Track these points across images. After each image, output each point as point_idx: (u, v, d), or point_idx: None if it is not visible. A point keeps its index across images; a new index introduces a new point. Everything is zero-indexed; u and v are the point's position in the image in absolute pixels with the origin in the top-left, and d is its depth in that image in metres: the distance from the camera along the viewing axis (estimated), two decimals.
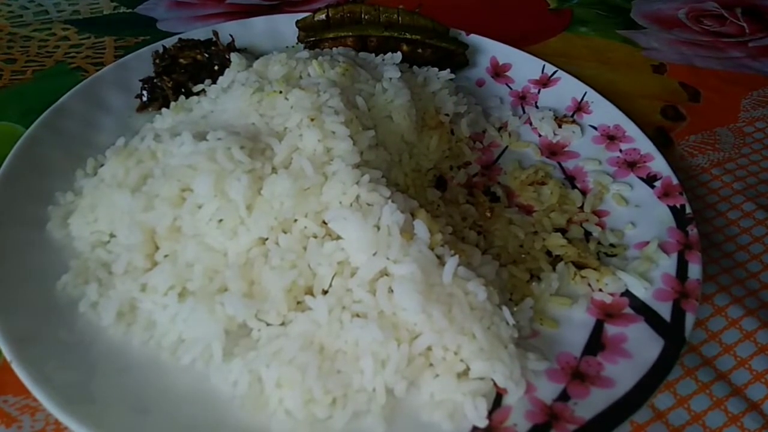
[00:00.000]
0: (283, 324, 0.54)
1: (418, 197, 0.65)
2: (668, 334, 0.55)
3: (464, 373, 0.51)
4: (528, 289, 0.60)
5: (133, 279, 0.56)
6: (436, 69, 0.82)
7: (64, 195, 0.65)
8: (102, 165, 0.67)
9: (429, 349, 0.52)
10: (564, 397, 0.51)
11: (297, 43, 0.90)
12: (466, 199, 0.71)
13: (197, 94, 0.77)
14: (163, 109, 0.75)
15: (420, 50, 0.85)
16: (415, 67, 0.83)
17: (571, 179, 0.74)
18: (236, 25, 0.92)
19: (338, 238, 0.55)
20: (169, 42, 0.86)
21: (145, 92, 0.80)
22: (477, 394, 0.50)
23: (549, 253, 0.65)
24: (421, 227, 0.55)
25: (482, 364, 0.50)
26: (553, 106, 0.84)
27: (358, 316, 0.52)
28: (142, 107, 0.80)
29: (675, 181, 0.70)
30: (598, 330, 0.57)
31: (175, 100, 0.77)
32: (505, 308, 0.54)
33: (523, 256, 0.64)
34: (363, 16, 0.88)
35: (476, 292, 0.53)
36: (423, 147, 0.73)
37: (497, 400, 0.51)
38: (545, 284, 0.61)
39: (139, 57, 0.84)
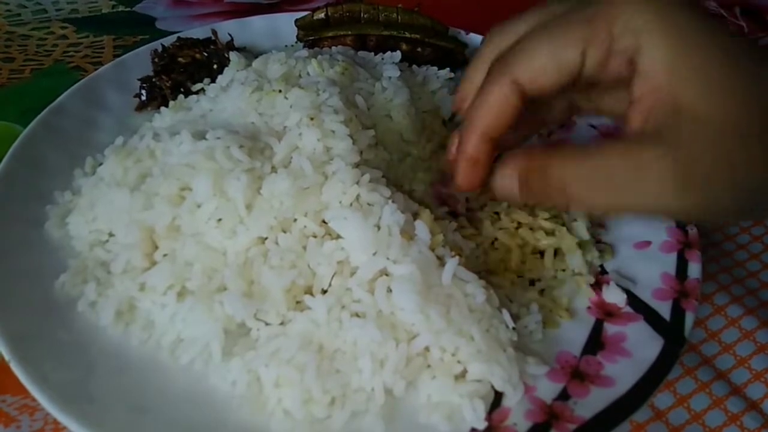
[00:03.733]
0: (282, 323, 0.54)
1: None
2: (668, 333, 0.55)
3: (462, 375, 0.51)
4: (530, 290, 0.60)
5: (131, 278, 0.56)
6: (436, 68, 0.82)
7: (63, 194, 0.65)
8: (100, 164, 0.67)
9: (427, 349, 0.51)
10: (564, 396, 0.51)
11: (296, 42, 0.90)
12: None
13: (196, 93, 0.77)
14: (162, 108, 0.74)
15: (419, 49, 0.85)
16: (414, 66, 0.83)
17: None
18: (235, 23, 0.91)
19: (338, 237, 0.55)
20: (167, 41, 0.85)
21: (143, 91, 0.80)
22: (475, 396, 0.50)
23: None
24: (422, 228, 0.55)
25: (480, 366, 0.50)
26: None
27: (357, 315, 0.52)
28: (141, 106, 0.80)
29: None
30: (597, 329, 0.57)
31: (174, 99, 0.77)
32: (504, 311, 0.54)
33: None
34: (362, 15, 0.88)
35: (475, 294, 0.53)
36: (420, 148, 0.73)
37: (497, 399, 0.51)
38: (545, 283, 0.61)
39: (137, 56, 0.84)
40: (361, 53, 0.81)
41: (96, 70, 0.82)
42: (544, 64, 0.45)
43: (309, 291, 0.55)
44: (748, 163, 0.41)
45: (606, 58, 0.44)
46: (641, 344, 0.55)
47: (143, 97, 0.80)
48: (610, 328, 0.57)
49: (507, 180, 0.47)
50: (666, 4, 0.43)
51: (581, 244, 0.62)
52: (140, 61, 0.83)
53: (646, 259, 0.62)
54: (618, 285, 0.60)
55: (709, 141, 0.40)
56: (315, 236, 0.56)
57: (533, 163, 0.45)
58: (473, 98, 0.50)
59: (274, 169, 0.58)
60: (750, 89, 0.41)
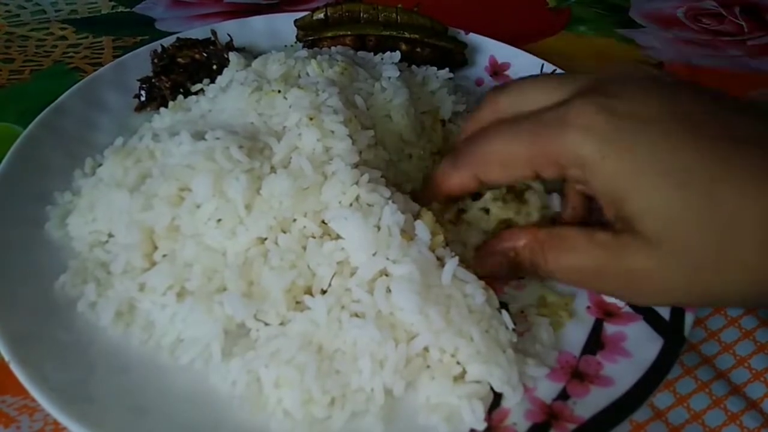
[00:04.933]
0: (281, 324, 0.54)
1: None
2: (668, 333, 0.55)
3: (461, 376, 0.51)
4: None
5: (131, 279, 0.56)
6: (435, 68, 0.82)
7: (62, 195, 0.65)
8: (100, 165, 0.67)
9: (426, 350, 0.51)
10: (563, 396, 0.51)
11: (295, 42, 0.90)
12: None
13: (196, 93, 0.77)
14: (162, 109, 0.74)
15: (419, 49, 0.85)
16: (413, 66, 0.83)
17: None
18: (234, 24, 0.91)
19: (337, 237, 0.55)
20: (167, 41, 0.85)
21: (143, 92, 0.80)
22: (474, 397, 0.50)
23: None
24: (421, 228, 0.55)
25: (479, 367, 0.50)
26: None
27: (357, 316, 0.52)
28: (141, 107, 0.80)
29: None
30: (597, 329, 0.57)
31: (173, 100, 0.77)
32: (504, 312, 0.54)
33: None
34: (361, 15, 0.88)
35: (474, 294, 0.53)
36: (420, 148, 0.73)
37: (496, 399, 0.51)
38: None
39: (137, 56, 0.84)
40: (360, 53, 0.81)
41: (95, 70, 0.82)
42: (498, 173, 0.52)
43: (309, 291, 0.55)
44: (700, 291, 0.44)
45: (559, 176, 0.49)
46: (641, 344, 0.55)
47: (143, 98, 0.80)
48: (610, 328, 0.57)
49: (498, 258, 0.56)
50: (615, 128, 0.44)
51: None
52: (140, 61, 0.83)
53: None
54: None
55: (655, 265, 0.44)
56: (314, 236, 0.56)
57: (529, 244, 0.53)
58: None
59: (273, 170, 0.58)
60: (702, 212, 0.41)
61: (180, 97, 0.77)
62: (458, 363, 0.51)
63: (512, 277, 0.58)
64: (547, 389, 0.52)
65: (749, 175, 0.40)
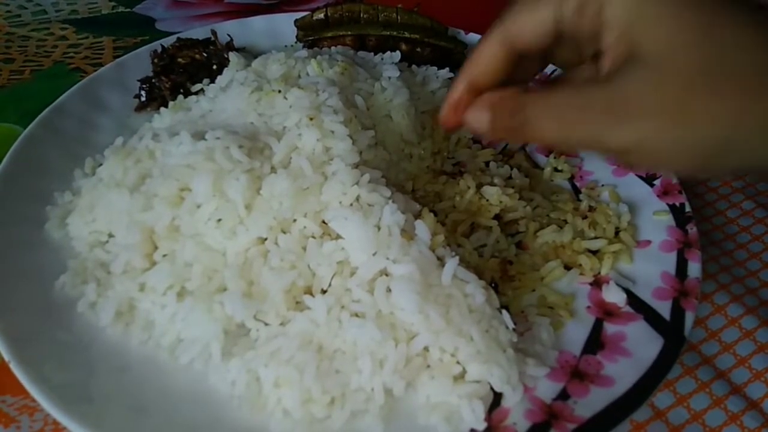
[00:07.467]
0: (281, 324, 0.53)
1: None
2: (668, 333, 0.55)
3: (461, 376, 0.51)
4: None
5: (131, 279, 0.56)
6: (435, 68, 0.82)
7: (62, 195, 0.65)
8: (100, 165, 0.67)
9: (426, 350, 0.51)
10: (563, 396, 0.51)
11: (296, 42, 0.90)
12: None
13: (196, 93, 0.77)
14: (162, 109, 0.74)
15: (419, 49, 0.85)
16: (414, 66, 0.83)
17: (570, 178, 0.74)
18: (235, 24, 0.92)
19: (337, 237, 0.55)
20: (167, 41, 0.86)
21: (143, 92, 0.80)
22: (474, 397, 0.50)
23: None
24: (422, 228, 0.55)
25: (479, 366, 0.50)
26: None
27: (357, 315, 0.52)
28: (141, 107, 0.80)
29: (674, 179, 0.69)
30: (597, 328, 0.57)
31: (173, 100, 0.77)
32: (504, 312, 0.54)
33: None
34: (362, 15, 0.88)
35: (475, 294, 0.53)
36: (421, 148, 0.73)
37: (496, 399, 0.51)
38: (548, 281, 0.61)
39: (137, 57, 0.84)
40: (360, 53, 0.81)
41: (96, 71, 0.82)
42: (525, 19, 0.48)
43: (309, 291, 0.55)
44: (694, 113, 0.41)
45: (578, 13, 0.46)
46: (641, 344, 0.55)
47: (143, 98, 0.80)
48: (610, 328, 0.57)
49: (477, 113, 0.49)
50: None
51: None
52: (140, 61, 0.83)
53: (646, 259, 0.63)
54: (618, 284, 0.60)
55: (651, 85, 0.42)
56: (314, 237, 0.56)
57: (505, 95, 0.47)
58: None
59: (273, 170, 0.58)
60: (707, 37, 0.41)
61: (180, 97, 0.77)
62: (458, 363, 0.51)
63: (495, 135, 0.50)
64: (547, 389, 0.52)
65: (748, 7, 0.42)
